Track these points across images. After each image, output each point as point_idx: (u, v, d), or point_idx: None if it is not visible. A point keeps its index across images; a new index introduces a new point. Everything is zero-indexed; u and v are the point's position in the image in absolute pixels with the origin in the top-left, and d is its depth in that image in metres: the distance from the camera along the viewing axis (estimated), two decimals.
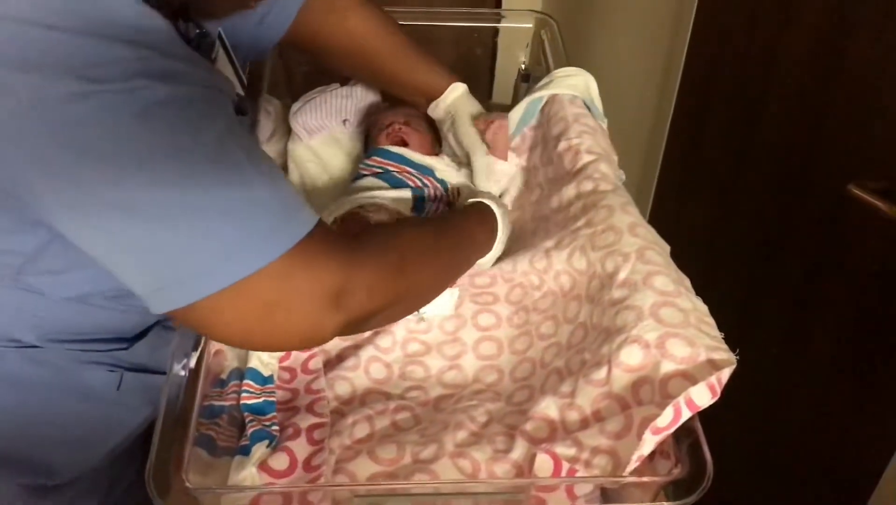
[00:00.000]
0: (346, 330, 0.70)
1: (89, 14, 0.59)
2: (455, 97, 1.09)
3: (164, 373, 0.75)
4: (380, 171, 1.05)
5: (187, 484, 0.64)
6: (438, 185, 1.06)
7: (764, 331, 1.30)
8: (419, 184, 1.04)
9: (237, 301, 0.62)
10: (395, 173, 1.05)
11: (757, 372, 1.29)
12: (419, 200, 1.03)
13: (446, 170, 1.08)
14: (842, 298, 1.13)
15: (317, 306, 0.66)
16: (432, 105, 1.11)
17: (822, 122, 1.12)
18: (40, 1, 0.58)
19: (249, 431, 0.77)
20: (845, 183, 1.03)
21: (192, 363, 0.76)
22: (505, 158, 1.07)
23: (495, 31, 1.51)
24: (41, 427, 0.85)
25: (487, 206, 0.97)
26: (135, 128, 0.58)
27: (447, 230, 0.91)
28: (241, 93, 0.87)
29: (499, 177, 1.09)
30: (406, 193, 1.03)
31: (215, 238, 0.60)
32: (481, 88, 1.63)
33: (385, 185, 1.03)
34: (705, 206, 1.47)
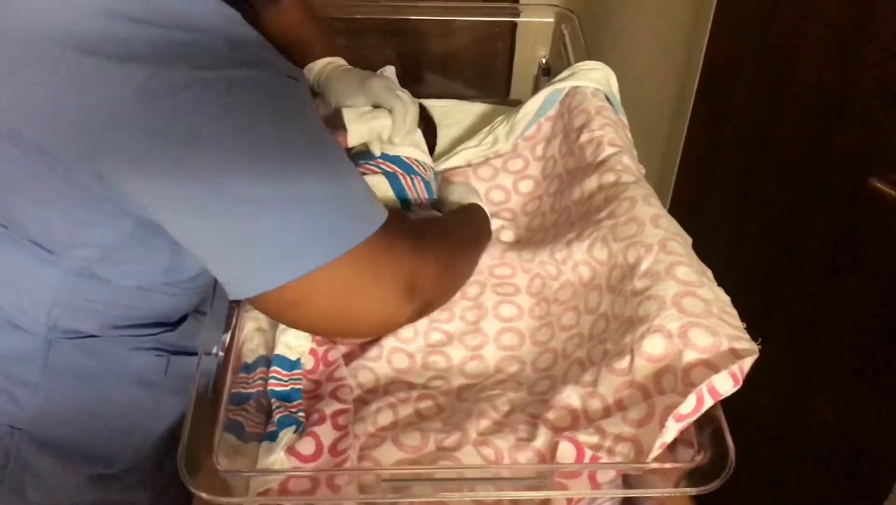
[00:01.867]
0: (416, 315, 0.75)
1: (175, 9, 0.62)
2: (321, 65, 1.09)
3: (212, 354, 0.77)
4: None
5: (218, 467, 0.65)
6: (386, 163, 1.04)
7: (784, 323, 1.30)
8: (372, 169, 1.02)
9: (319, 287, 0.65)
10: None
11: (777, 364, 1.30)
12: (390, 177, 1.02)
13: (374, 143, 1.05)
14: (862, 291, 1.13)
15: (394, 292, 0.70)
16: (304, 70, 1.11)
17: (842, 116, 1.12)
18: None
19: (276, 416, 0.78)
20: (866, 176, 1.03)
21: (223, 349, 0.78)
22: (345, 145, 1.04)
23: (513, 25, 1.52)
24: (99, 416, 0.87)
25: (481, 207, 0.99)
26: (239, 115, 0.61)
27: (469, 226, 0.95)
28: None
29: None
30: (374, 179, 1.01)
31: (303, 225, 0.63)
32: (499, 83, 1.63)
33: None
34: (725, 200, 1.47)
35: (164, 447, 0.92)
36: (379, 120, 1.01)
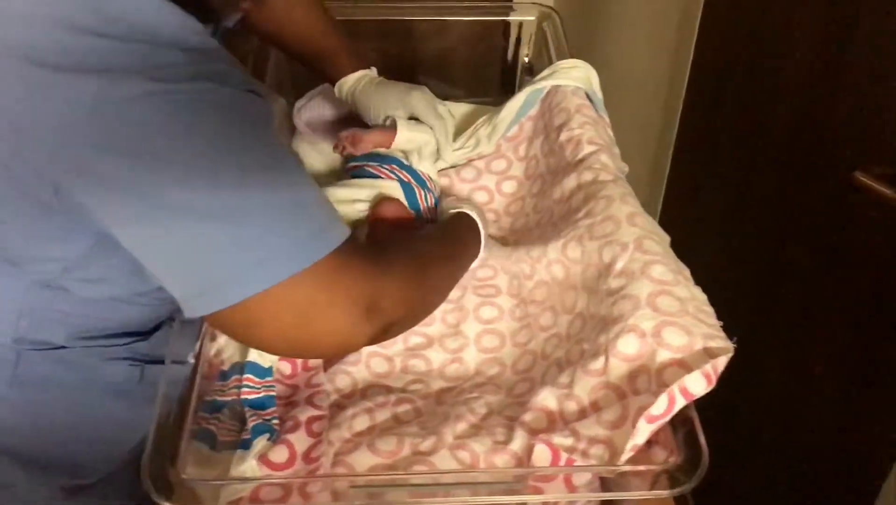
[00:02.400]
0: (380, 336, 0.72)
1: (131, 20, 0.61)
2: (355, 79, 1.11)
3: (181, 363, 0.76)
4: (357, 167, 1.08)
5: (183, 476, 0.64)
6: (403, 172, 1.06)
7: (775, 320, 1.29)
8: (388, 174, 1.05)
9: (274, 306, 0.63)
10: (367, 169, 1.06)
11: (769, 361, 1.29)
12: (403, 185, 1.05)
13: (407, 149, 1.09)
14: (852, 285, 1.12)
15: (352, 314, 0.67)
16: (337, 85, 1.13)
17: (830, 110, 1.11)
18: (86, 8, 0.59)
19: (250, 424, 0.78)
20: (853, 170, 1.02)
21: (195, 357, 0.77)
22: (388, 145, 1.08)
23: (506, 24, 1.51)
24: (72, 427, 0.86)
25: (469, 216, 0.97)
26: (192, 130, 0.60)
27: (447, 240, 0.93)
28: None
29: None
30: (388, 183, 1.04)
31: (256, 243, 0.61)
32: (490, 82, 1.63)
33: (362, 181, 1.05)
34: (716, 197, 1.46)
35: (141, 456, 0.92)
36: (424, 135, 1.06)
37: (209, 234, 0.61)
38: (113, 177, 0.60)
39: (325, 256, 0.64)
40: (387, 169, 1.05)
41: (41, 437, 0.84)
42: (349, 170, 1.08)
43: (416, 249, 0.83)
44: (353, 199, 1.00)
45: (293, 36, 1.11)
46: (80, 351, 0.84)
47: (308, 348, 0.72)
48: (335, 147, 1.09)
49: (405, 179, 1.04)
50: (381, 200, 1.00)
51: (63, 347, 0.83)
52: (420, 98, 1.06)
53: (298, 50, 1.13)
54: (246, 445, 0.76)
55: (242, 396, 0.80)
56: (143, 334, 0.89)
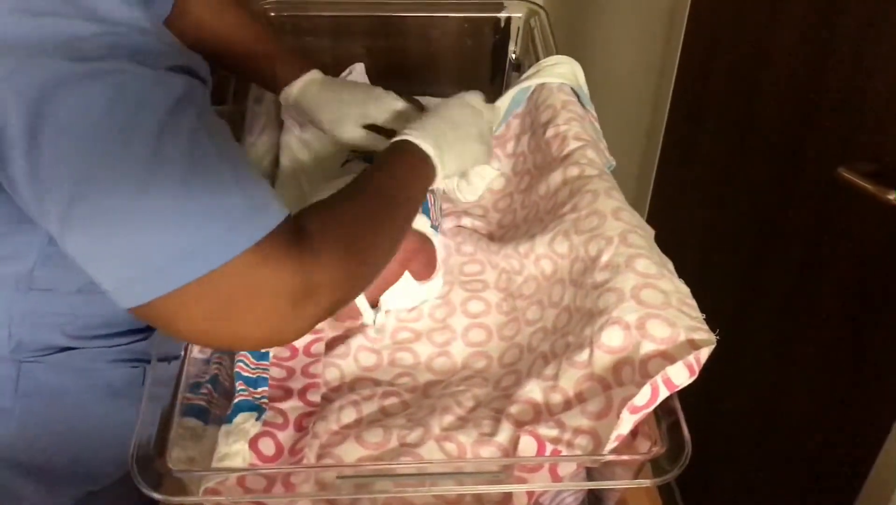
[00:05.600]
0: (310, 326, 0.67)
1: None
2: (301, 86, 1.06)
3: (167, 360, 0.75)
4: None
5: (169, 465, 0.65)
6: None
7: (760, 313, 1.30)
8: None
9: (198, 298, 0.59)
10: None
11: (753, 353, 1.30)
12: None
13: None
14: (836, 279, 1.13)
15: (278, 304, 0.62)
16: (282, 96, 1.07)
17: (815, 107, 1.12)
18: None
19: (237, 399, 0.78)
20: (836, 167, 1.03)
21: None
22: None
23: (497, 21, 1.51)
24: (79, 435, 0.85)
25: (413, 144, 0.86)
26: (103, 116, 0.56)
27: (382, 192, 0.81)
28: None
29: None
30: None
31: (175, 235, 0.58)
32: (483, 79, 1.63)
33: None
34: (703, 195, 1.47)
35: None
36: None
37: (119, 230, 0.57)
38: (31, 170, 0.57)
39: (247, 247, 0.59)
40: None
41: (48, 447, 0.83)
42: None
43: (347, 218, 0.73)
44: None
45: (224, 43, 1.04)
46: (81, 353, 0.83)
47: (235, 340, 0.66)
48: None
49: None
50: None
51: (64, 350, 0.82)
52: (378, 108, 1.00)
53: (231, 59, 1.06)
54: (229, 420, 0.76)
55: (236, 370, 0.80)
56: (142, 332, 0.88)
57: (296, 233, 0.64)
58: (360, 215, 0.75)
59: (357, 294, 0.78)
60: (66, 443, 0.85)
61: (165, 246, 0.57)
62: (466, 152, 0.92)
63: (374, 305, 0.93)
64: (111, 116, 0.57)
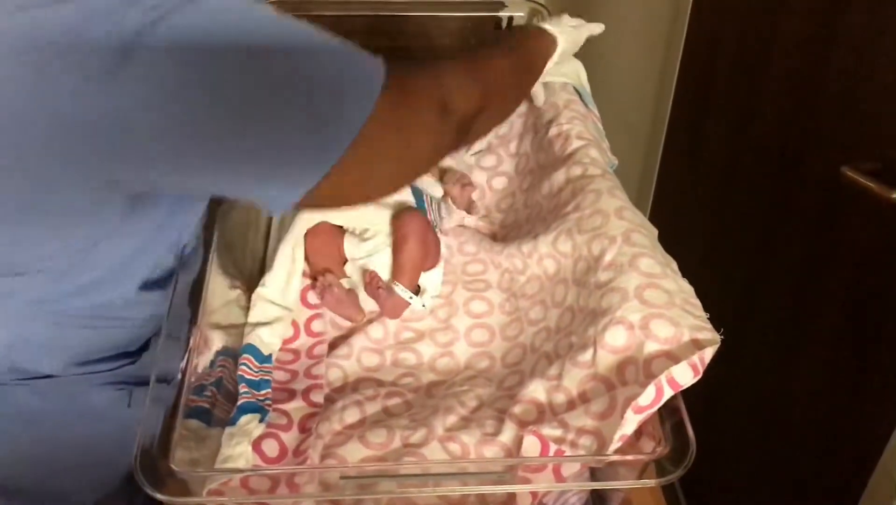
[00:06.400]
0: (461, 132, 0.73)
1: None
2: None
3: (167, 382, 0.74)
4: None
5: (172, 466, 0.65)
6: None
7: (763, 313, 1.29)
8: None
9: (363, 150, 0.62)
10: None
11: (757, 353, 1.30)
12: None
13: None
14: (839, 279, 1.13)
15: (433, 114, 0.68)
16: None
17: (818, 106, 1.12)
18: None
19: (240, 401, 0.78)
20: (839, 166, 1.03)
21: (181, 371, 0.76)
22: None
23: (498, 20, 1.51)
24: (60, 457, 0.84)
25: (545, 30, 0.98)
26: (215, 30, 0.57)
27: (506, 48, 0.91)
28: None
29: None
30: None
31: (325, 108, 0.61)
32: None
33: None
34: (706, 194, 1.47)
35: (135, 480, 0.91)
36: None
37: (266, 133, 0.59)
38: (158, 123, 0.56)
39: (384, 84, 0.63)
40: None
41: (28, 469, 0.82)
42: None
43: (462, 57, 0.82)
44: None
45: None
46: (65, 380, 0.81)
47: (414, 165, 0.72)
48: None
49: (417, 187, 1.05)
50: (403, 213, 0.99)
51: (48, 377, 0.80)
52: None
53: None
54: (233, 422, 0.76)
55: (239, 373, 0.80)
56: (130, 356, 0.85)
57: (410, 62, 0.70)
58: (473, 57, 0.84)
59: (494, 116, 0.84)
60: (48, 465, 0.83)
61: (315, 127, 0.60)
62: (570, 40, 1.02)
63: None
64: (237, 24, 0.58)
